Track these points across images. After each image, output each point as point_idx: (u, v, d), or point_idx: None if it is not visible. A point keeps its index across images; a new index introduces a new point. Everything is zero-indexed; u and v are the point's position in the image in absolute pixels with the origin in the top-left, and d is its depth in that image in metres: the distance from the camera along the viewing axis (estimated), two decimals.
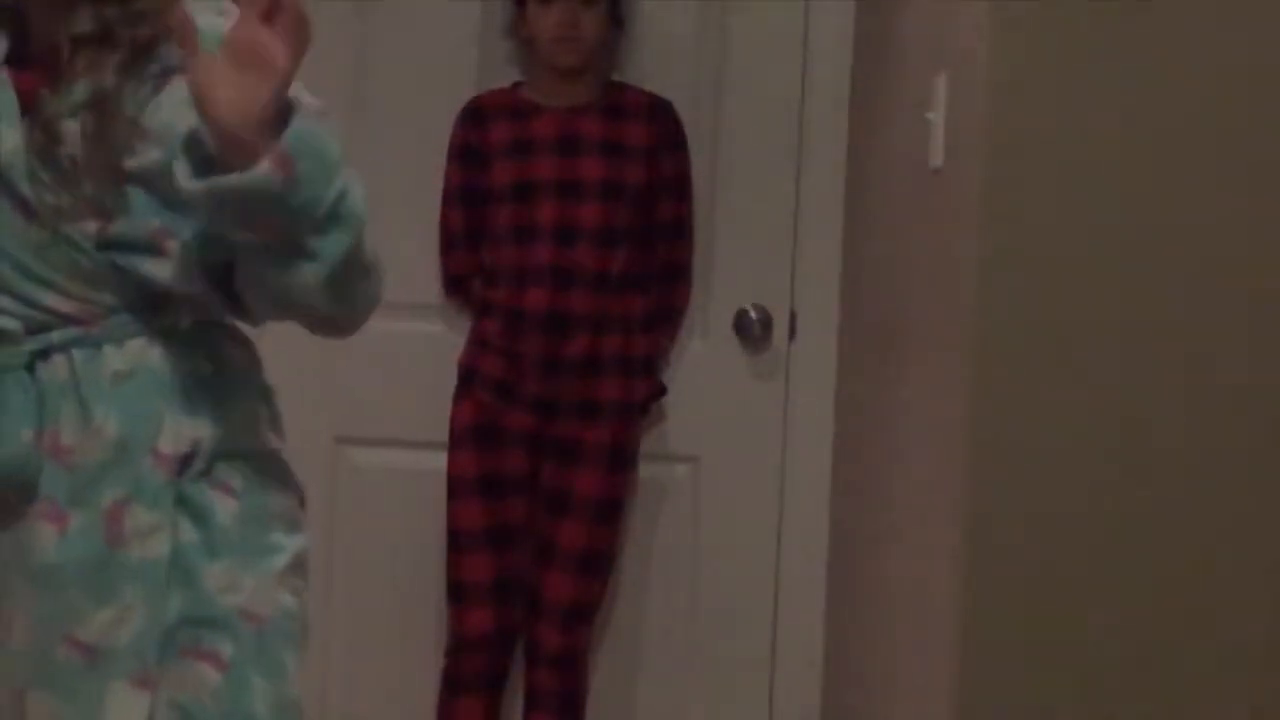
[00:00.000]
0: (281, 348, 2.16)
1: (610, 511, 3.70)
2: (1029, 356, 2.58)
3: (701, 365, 3.83)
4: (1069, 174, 2.56)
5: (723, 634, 3.85)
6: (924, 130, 2.91)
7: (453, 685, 3.68)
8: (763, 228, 3.81)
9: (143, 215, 1.88)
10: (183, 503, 1.93)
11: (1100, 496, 2.58)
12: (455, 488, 3.67)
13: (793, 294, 3.82)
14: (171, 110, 1.85)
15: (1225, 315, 2.57)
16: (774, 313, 3.81)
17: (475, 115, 3.71)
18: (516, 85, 3.75)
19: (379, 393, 3.76)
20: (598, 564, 3.70)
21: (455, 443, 3.67)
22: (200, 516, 1.93)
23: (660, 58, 3.79)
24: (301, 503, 2.06)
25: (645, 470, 3.80)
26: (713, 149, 3.79)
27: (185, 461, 1.93)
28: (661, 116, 3.71)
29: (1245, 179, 2.56)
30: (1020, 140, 2.57)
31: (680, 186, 3.74)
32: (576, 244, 3.62)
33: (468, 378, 3.69)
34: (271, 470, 2.02)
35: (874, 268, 3.50)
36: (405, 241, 3.70)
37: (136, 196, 1.88)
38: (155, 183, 1.86)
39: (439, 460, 3.69)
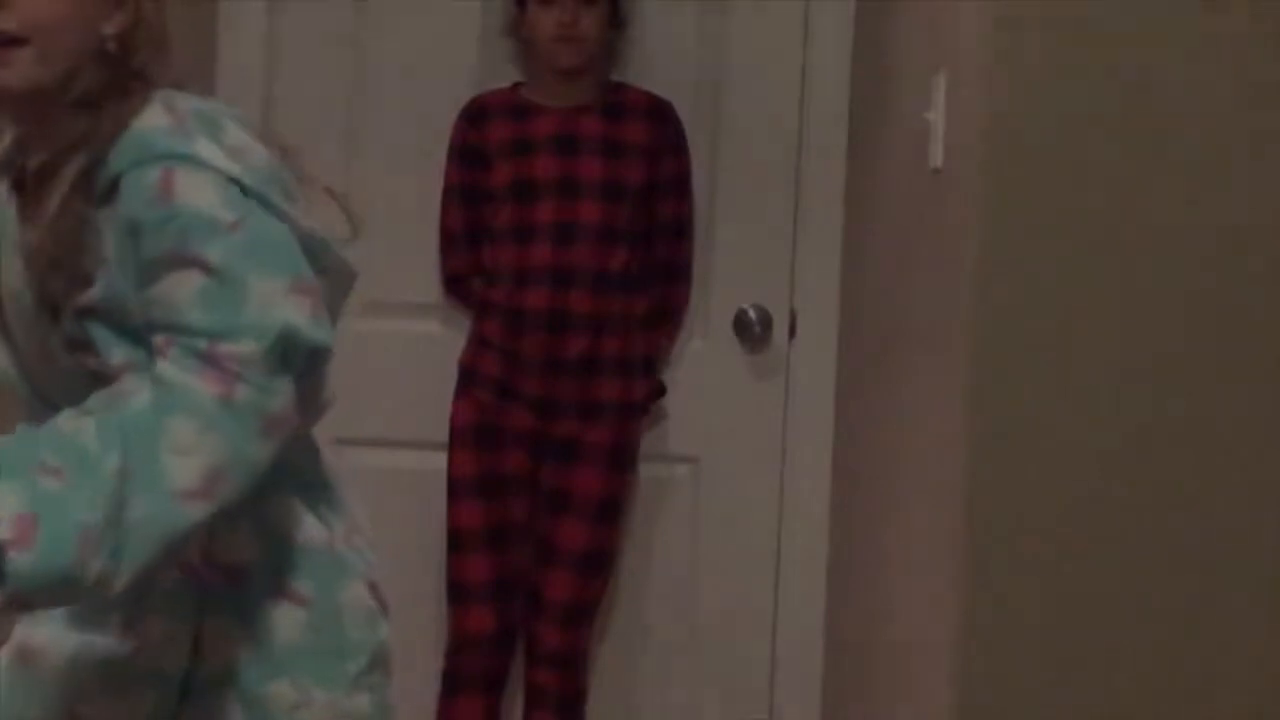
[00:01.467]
0: None
1: (610, 511, 3.70)
2: (1029, 356, 2.58)
3: (701, 365, 3.83)
4: (1069, 174, 2.56)
5: (723, 634, 3.85)
6: (924, 130, 2.91)
7: (453, 685, 3.68)
8: (763, 228, 3.80)
9: (106, 349, 1.83)
10: (241, 622, 1.91)
11: (1099, 496, 2.58)
12: (455, 488, 3.67)
13: (793, 294, 3.82)
14: (114, 238, 1.80)
15: (1226, 314, 2.57)
16: (774, 313, 3.81)
17: (475, 115, 3.71)
18: (516, 85, 3.74)
19: (379, 393, 3.76)
20: (598, 563, 3.70)
21: (455, 442, 3.67)
22: (259, 635, 1.91)
23: (660, 58, 3.79)
24: (373, 589, 2.01)
25: (645, 470, 3.80)
26: (713, 149, 3.79)
27: (229, 575, 1.92)
28: (661, 116, 3.71)
29: (1246, 178, 2.56)
30: (1020, 140, 2.57)
31: (680, 186, 3.74)
32: (576, 244, 3.62)
33: (468, 377, 3.69)
34: (334, 565, 1.98)
35: (874, 268, 3.50)
36: (405, 241, 3.71)
37: (97, 330, 1.83)
38: (107, 315, 1.82)
39: (439, 460, 3.69)
